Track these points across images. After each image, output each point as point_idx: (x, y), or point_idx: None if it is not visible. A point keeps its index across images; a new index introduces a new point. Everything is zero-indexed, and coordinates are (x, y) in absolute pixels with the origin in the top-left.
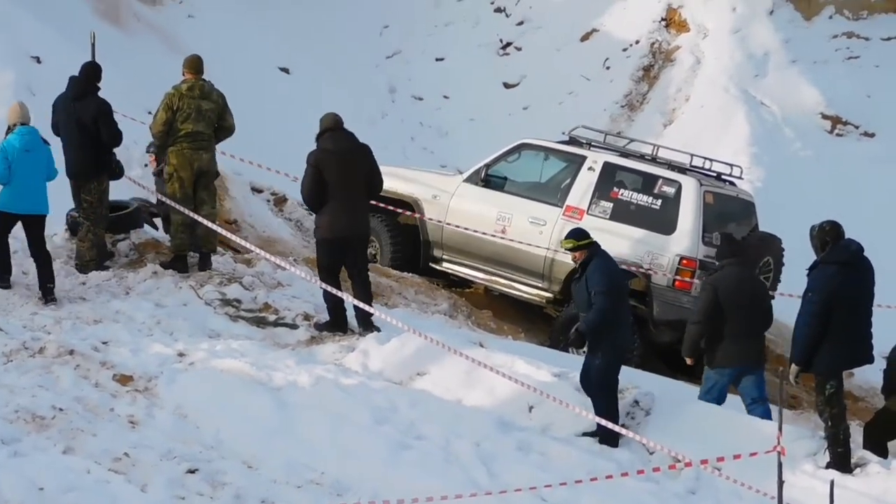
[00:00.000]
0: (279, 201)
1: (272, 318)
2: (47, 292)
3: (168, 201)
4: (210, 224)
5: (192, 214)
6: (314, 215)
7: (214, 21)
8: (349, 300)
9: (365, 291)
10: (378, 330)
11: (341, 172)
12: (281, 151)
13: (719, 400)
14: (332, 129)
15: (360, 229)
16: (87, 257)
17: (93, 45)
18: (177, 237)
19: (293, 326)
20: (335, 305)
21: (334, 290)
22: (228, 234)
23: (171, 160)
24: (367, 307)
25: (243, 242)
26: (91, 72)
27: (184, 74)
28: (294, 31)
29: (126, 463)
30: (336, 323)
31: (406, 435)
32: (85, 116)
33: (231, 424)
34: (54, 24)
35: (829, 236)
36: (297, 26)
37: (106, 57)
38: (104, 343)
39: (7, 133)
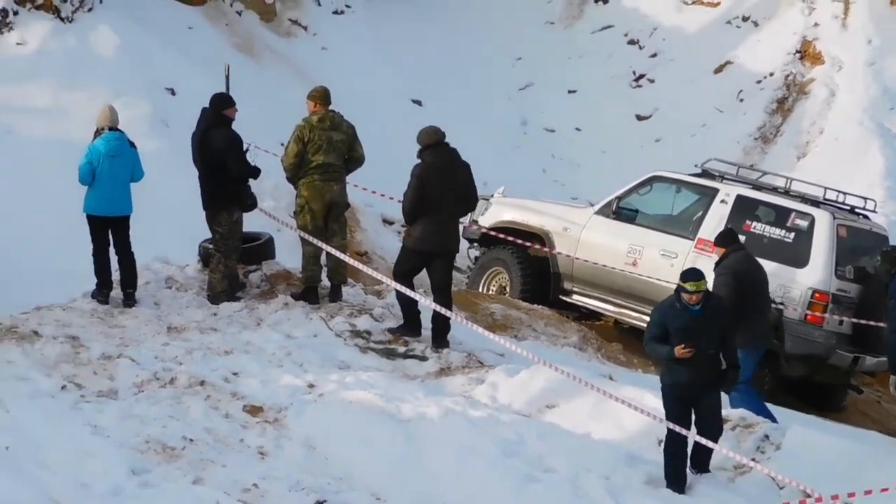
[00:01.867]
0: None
1: (401, 349)
2: (127, 297)
3: (299, 233)
4: (341, 255)
5: (322, 245)
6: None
7: (347, 53)
8: (425, 303)
9: (446, 307)
10: (448, 346)
11: (442, 187)
12: None
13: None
14: (436, 145)
15: (450, 245)
16: (219, 288)
17: (227, 76)
18: (308, 269)
19: (422, 358)
20: (410, 308)
21: (409, 292)
22: (359, 266)
23: (303, 192)
24: (446, 311)
25: (374, 273)
26: (219, 103)
27: (313, 106)
28: (427, 63)
29: (255, 494)
30: (410, 327)
31: (534, 468)
32: (213, 148)
33: (359, 456)
34: (190, 57)
35: None
36: (430, 59)
37: (240, 88)
38: (234, 374)
39: (95, 136)
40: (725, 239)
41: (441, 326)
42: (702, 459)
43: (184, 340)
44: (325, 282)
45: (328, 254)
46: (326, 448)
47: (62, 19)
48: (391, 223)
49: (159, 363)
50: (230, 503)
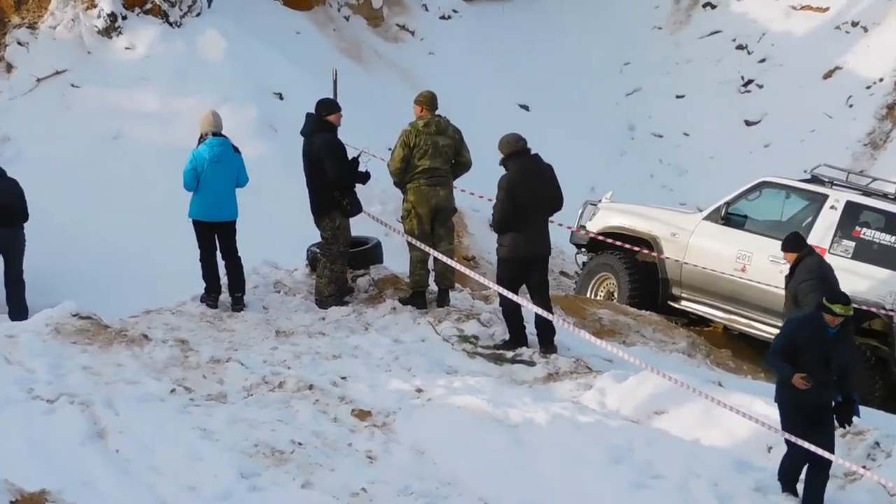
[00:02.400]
0: None
1: (509, 354)
2: (236, 301)
3: (407, 237)
4: (448, 260)
5: (429, 250)
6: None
7: (454, 58)
8: (528, 306)
9: (547, 310)
10: (556, 351)
11: (530, 195)
12: None
13: None
14: (519, 153)
15: (543, 249)
16: (326, 293)
17: (335, 81)
18: (415, 273)
19: (530, 363)
20: (515, 320)
21: (512, 296)
22: (466, 271)
23: (409, 197)
24: (547, 314)
25: (481, 279)
26: (323, 108)
27: (419, 111)
28: (534, 68)
29: (363, 498)
30: (516, 339)
31: (642, 474)
32: (312, 153)
33: (467, 461)
34: (298, 62)
35: None
36: (537, 64)
37: (347, 93)
38: (343, 378)
39: (199, 142)
40: (796, 243)
41: (546, 331)
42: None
43: (292, 345)
44: (433, 286)
45: (436, 258)
46: (434, 453)
47: (170, 24)
48: None
49: (268, 367)
50: None
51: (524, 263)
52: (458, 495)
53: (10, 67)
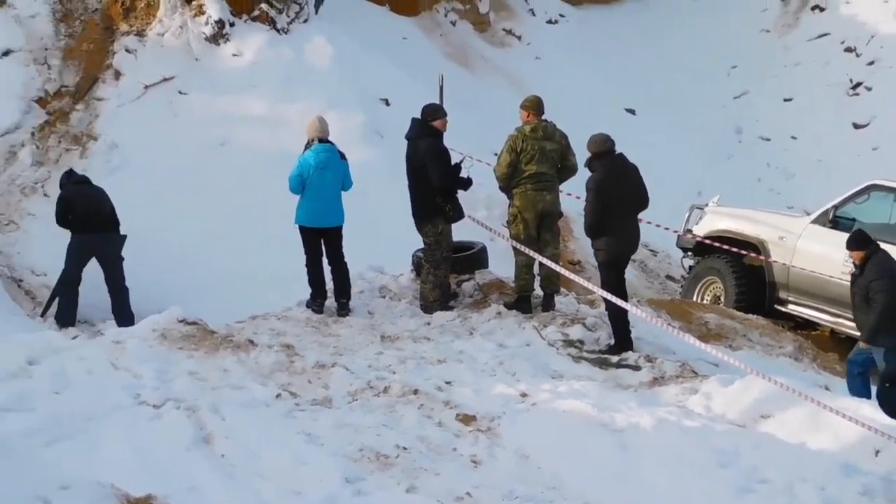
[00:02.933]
0: None
1: (614, 359)
2: (341, 306)
3: (512, 242)
4: (553, 265)
5: (535, 255)
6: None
7: (560, 62)
8: (639, 313)
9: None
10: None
11: (618, 195)
12: None
13: None
14: (606, 153)
15: (634, 248)
16: (431, 298)
17: (441, 86)
18: (520, 278)
19: (635, 368)
20: (621, 323)
21: (620, 301)
22: (571, 275)
23: (515, 202)
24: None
25: (586, 283)
26: (428, 114)
27: (526, 116)
28: (640, 71)
29: (468, 502)
30: (622, 343)
31: (749, 478)
32: (417, 158)
33: (572, 466)
34: (404, 68)
35: None
36: (643, 67)
37: (454, 98)
38: (447, 383)
39: (305, 148)
40: (863, 241)
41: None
42: None
43: (397, 349)
44: (538, 291)
45: (541, 263)
46: (539, 457)
47: (278, 31)
48: None
49: (373, 372)
50: None
51: (621, 264)
52: (562, 499)
53: (118, 74)
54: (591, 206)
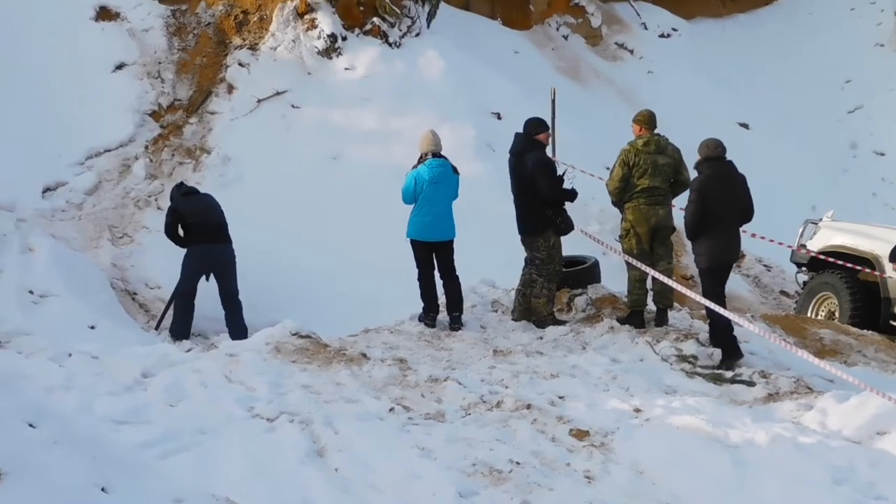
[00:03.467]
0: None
1: (729, 374)
2: (454, 320)
3: (625, 257)
4: (666, 280)
5: (648, 270)
6: (694, 244)
7: (673, 76)
8: (750, 326)
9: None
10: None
11: (720, 199)
12: None
13: None
14: (715, 158)
15: (735, 256)
16: (544, 313)
17: (553, 100)
18: (633, 293)
19: (750, 383)
20: (727, 332)
21: (723, 311)
22: (685, 290)
23: (628, 216)
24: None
25: (700, 298)
26: (531, 127)
27: (638, 130)
28: (753, 86)
29: None
30: (730, 354)
31: (865, 495)
32: (526, 172)
33: (687, 481)
34: (516, 81)
35: None
36: (757, 81)
37: (566, 112)
38: (560, 398)
39: (418, 161)
40: None
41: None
42: None
43: (510, 364)
44: (651, 306)
45: (654, 278)
46: (653, 473)
47: (390, 44)
48: None
49: (486, 386)
50: None
51: (721, 271)
52: None
53: (231, 88)
54: (693, 207)
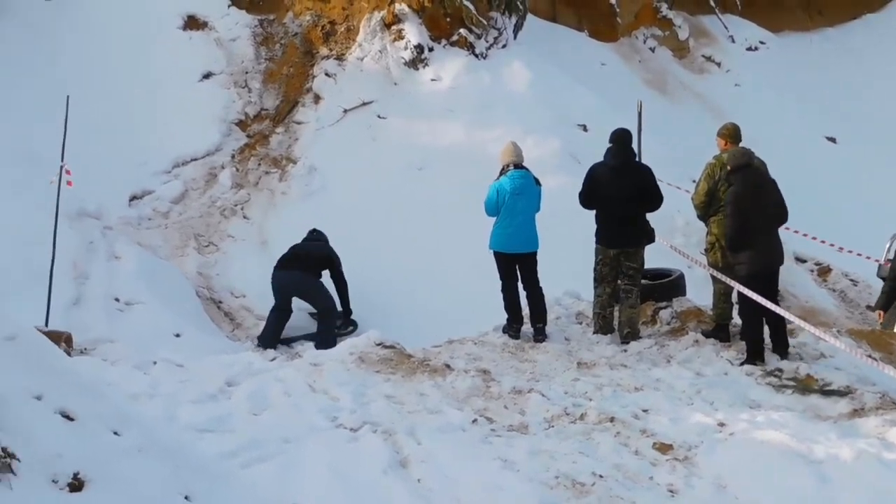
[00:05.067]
0: (823, 272)
1: (815, 386)
2: (538, 332)
3: (710, 270)
4: (751, 294)
5: (733, 283)
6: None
7: (760, 90)
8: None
9: (778, 321)
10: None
11: (756, 208)
12: (826, 221)
13: None
14: (745, 167)
15: (777, 261)
16: (637, 325)
17: (639, 113)
18: (718, 306)
19: (841, 393)
20: (756, 334)
21: (777, 310)
22: (769, 305)
23: (713, 229)
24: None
25: (784, 313)
26: (630, 138)
27: (723, 144)
28: (841, 99)
29: None
30: (753, 357)
31: None
32: (642, 181)
33: (770, 496)
34: (603, 94)
35: None
36: (845, 95)
37: (651, 125)
38: (644, 411)
39: (500, 173)
40: None
41: (779, 339)
42: None
43: (594, 376)
44: (736, 320)
45: (738, 292)
46: (737, 487)
47: (476, 56)
48: (804, 261)
49: (569, 399)
50: None
51: (766, 277)
52: None
53: (317, 98)
54: (730, 221)
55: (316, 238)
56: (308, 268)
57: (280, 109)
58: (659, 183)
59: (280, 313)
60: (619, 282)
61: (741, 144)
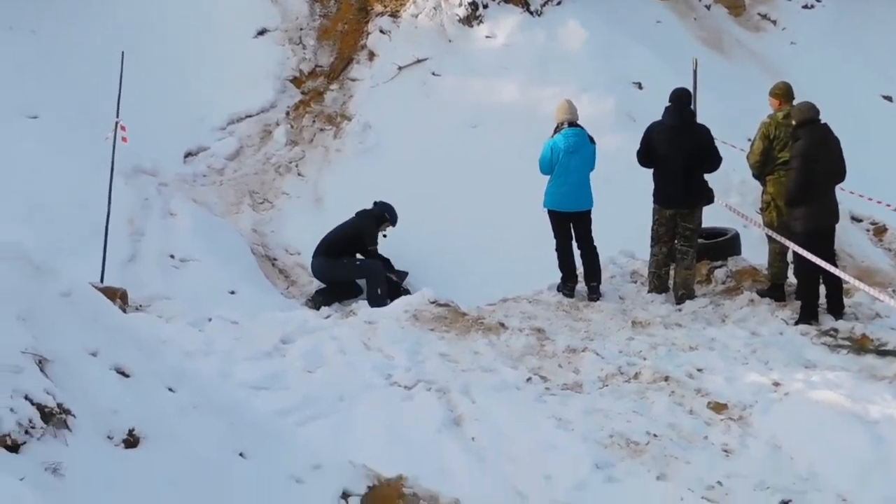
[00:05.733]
0: (879, 231)
1: (870, 347)
2: (592, 290)
3: (766, 230)
4: (806, 253)
5: (788, 243)
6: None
7: (816, 48)
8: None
9: (836, 279)
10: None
11: (821, 165)
12: (882, 180)
13: None
14: (811, 122)
15: (833, 219)
16: (692, 286)
17: (695, 71)
18: (774, 265)
19: (891, 359)
20: (812, 294)
21: (834, 269)
22: (823, 264)
23: (769, 189)
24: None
25: (839, 273)
26: (688, 98)
27: (777, 103)
28: None
29: (719, 492)
30: (807, 315)
31: None
32: (702, 141)
33: (825, 457)
34: (657, 51)
35: None
36: None
37: (706, 83)
38: (699, 370)
39: (555, 131)
40: None
41: (834, 299)
42: None
43: (648, 335)
44: (792, 279)
45: (794, 251)
46: (791, 447)
47: (531, 13)
48: (860, 220)
49: (623, 357)
50: (695, 500)
51: (822, 234)
52: (815, 491)
53: (372, 55)
54: (796, 175)
55: (359, 215)
56: (332, 253)
57: (334, 66)
58: (716, 142)
59: (327, 290)
60: (675, 242)
61: (795, 102)
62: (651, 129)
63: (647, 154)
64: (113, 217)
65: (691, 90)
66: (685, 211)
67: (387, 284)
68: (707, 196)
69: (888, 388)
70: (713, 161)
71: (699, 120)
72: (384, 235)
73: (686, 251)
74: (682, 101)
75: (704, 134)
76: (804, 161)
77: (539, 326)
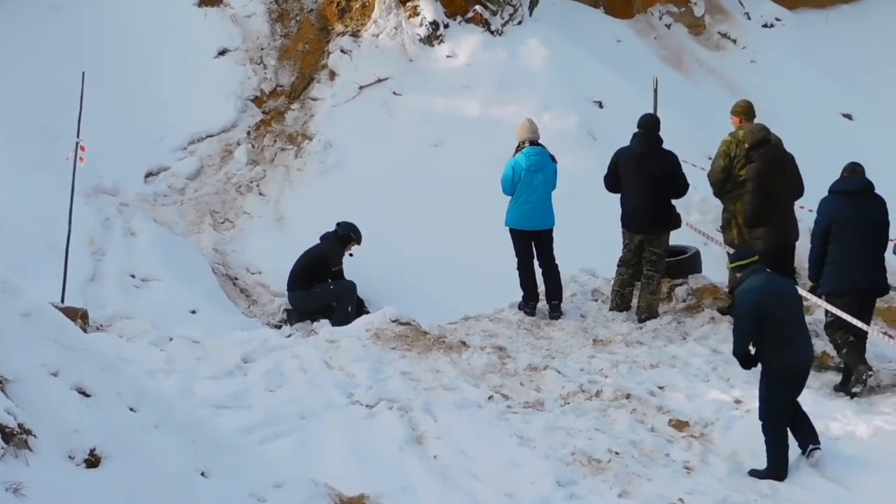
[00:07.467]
0: None
1: (830, 366)
2: (553, 308)
3: (726, 248)
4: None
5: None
6: None
7: (776, 66)
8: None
9: None
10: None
11: (777, 185)
12: None
13: None
14: (762, 143)
15: (794, 237)
16: (656, 309)
17: (655, 90)
18: (734, 283)
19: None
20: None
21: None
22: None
23: (729, 206)
24: None
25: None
26: (656, 124)
27: (738, 121)
28: (858, 76)
29: None
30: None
31: None
32: (669, 166)
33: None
34: (619, 70)
35: None
36: (861, 72)
37: (667, 102)
38: (660, 388)
39: (516, 150)
40: None
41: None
42: None
43: (609, 353)
44: None
45: None
46: (753, 464)
47: (492, 32)
48: None
49: (585, 375)
50: None
51: (782, 252)
52: None
53: (333, 75)
54: (751, 197)
55: (322, 238)
56: (302, 284)
57: (295, 86)
58: (683, 164)
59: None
60: (643, 267)
61: (755, 121)
62: (618, 154)
63: (614, 180)
64: (73, 236)
65: (652, 109)
66: (652, 236)
67: (356, 304)
68: (674, 221)
69: (850, 406)
70: (679, 188)
71: (664, 139)
72: (350, 255)
73: (652, 276)
74: (650, 127)
75: (671, 160)
76: (759, 183)
77: (501, 345)
